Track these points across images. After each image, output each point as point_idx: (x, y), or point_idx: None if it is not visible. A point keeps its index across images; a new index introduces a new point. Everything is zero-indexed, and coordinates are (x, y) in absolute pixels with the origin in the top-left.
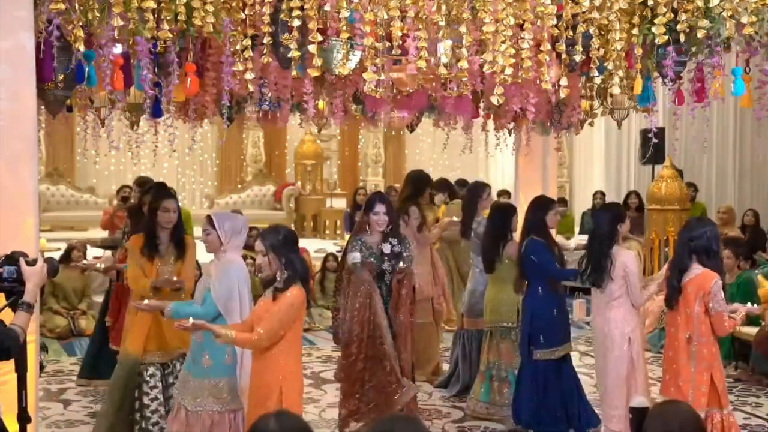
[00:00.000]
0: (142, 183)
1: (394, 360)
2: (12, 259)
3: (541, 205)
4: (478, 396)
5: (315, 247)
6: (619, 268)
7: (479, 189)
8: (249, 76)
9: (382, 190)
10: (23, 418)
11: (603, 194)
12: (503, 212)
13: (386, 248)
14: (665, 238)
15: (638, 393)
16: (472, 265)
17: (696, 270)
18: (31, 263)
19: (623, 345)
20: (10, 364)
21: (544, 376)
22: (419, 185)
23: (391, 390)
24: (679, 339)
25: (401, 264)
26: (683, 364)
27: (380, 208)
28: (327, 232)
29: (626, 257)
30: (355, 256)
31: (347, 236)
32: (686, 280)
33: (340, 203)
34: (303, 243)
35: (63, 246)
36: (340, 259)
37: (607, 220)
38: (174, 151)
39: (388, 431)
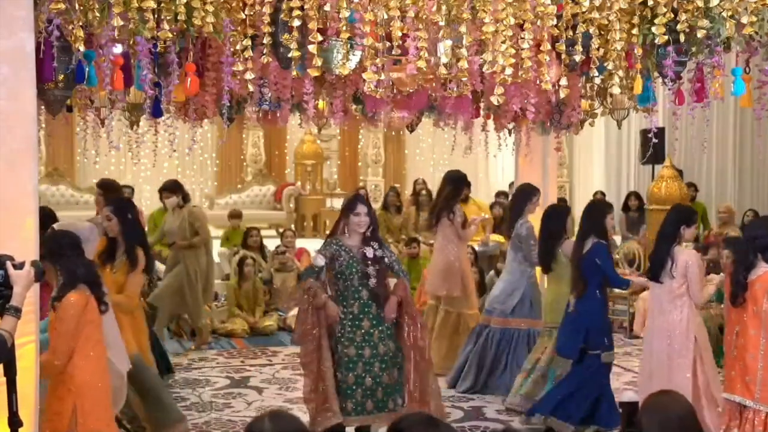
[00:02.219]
0: (108, 186)
1: (330, 382)
2: None
3: (599, 209)
4: (518, 389)
5: (315, 247)
6: (681, 266)
7: (530, 193)
8: (249, 76)
9: (382, 191)
10: (14, 422)
11: (603, 194)
12: (560, 213)
13: (369, 252)
14: None
15: (709, 388)
16: (507, 267)
17: (763, 267)
18: (18, 267)
19: (690, 345)
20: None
21: (597, 375)
22: (458, 184)
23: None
24: (747, 336)
25: (401, 276)
26: (750, 361)
27: (362, 209)
28: (327, 232)
29: (688, 256)
30: (319, 260)
31: None
32: (753, 278)
33: (340, 203)
34: (303, 243)
35: None
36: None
37: (672, 220)
38: (174, 151)
39: (398, 428)
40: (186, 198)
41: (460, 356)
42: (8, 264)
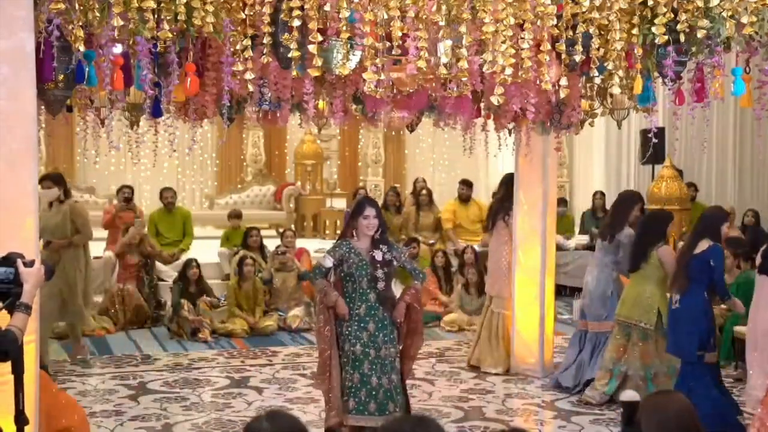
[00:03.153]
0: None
1: (336, 382)
2: (9, 260)
3: (717, 216)
4: (603, 388)
5: (315, 247)
6: None
7: (635, 201)
8: (249, 76)
9: (382, 191)
10: (20, 420)
11: (603, 194)
12: (663, 218)
13: (378, 255)
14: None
15: None
16: (595, 268)
17: None
18: (29, 264)
19: None
20: (8, 366)
21: (702, 377)
22: (510, 186)
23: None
24: None
25: (417, 283)
26: None
27: (370, 211)
28: (327, 232)
29: None
30: (327, 261)
31: None
32: None
33: (340, 203)
34: (303, 243)
35: None
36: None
37: None
38: (174, 151)
39: (395, 430)
40: (68, 193)
41: (568, 359)
42: (19, 262)
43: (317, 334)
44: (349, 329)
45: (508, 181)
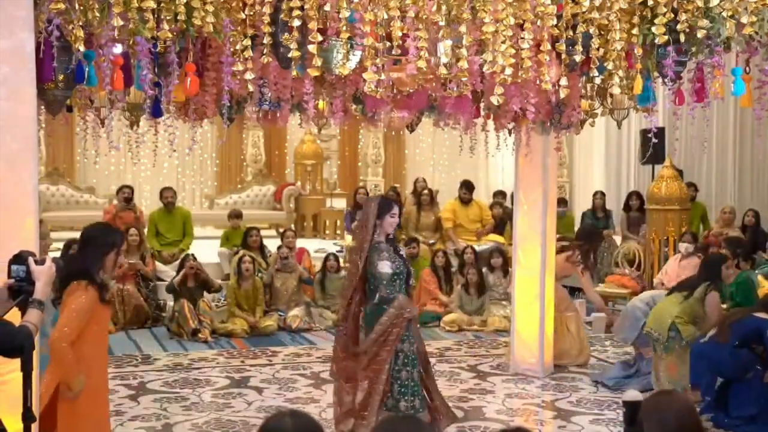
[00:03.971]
0: None
1: (379, 395)
2: (20, 258)
3: None
4: None
5: (315, 247)
6: None
7: (722, 263)
8: (249, 76)
9: (382, 191)
10: (27, 417)
11: (603, 194)
12: (720, 261)
13: (403, 253)
14: (665, 238)
15: None
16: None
17: None
18: (40, 262)
19: None
20: (13, 363)
21: None
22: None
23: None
24: None
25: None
26: None
27: (396, 209)
28: (327, 232)
29: None
30: (387, 267)
31: (347, 236)
32: None
33: (340, 203)
34: (303, 243)
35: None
36: (343, 261)
37: None
38: (174, 151)
39: (392, 431)
40: None
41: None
42: (30, 260)
43: (373, 358)
44: (408, 329)
45: (587, 236)
